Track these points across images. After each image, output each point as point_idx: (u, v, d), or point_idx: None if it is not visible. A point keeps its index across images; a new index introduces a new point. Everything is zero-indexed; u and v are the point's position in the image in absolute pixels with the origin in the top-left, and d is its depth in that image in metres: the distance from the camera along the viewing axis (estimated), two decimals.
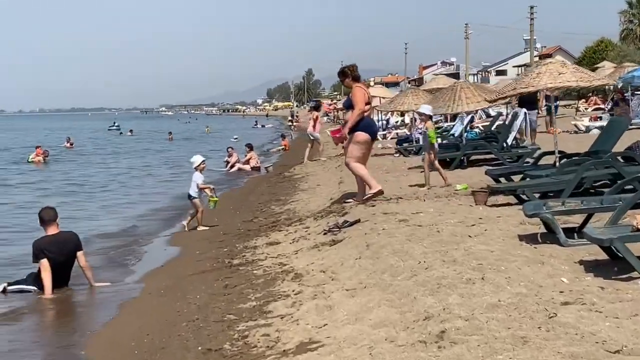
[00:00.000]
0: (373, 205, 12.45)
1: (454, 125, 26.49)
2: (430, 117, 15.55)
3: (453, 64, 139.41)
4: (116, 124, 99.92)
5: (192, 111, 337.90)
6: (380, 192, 13.16)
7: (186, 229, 15.09)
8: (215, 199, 15.23)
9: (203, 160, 15.49)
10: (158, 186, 25.99)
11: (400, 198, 13.21)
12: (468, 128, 23.59)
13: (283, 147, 41.46)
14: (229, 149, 31.27)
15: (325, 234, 11.03)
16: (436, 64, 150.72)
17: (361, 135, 13.07)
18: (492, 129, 23.42)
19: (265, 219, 14.64)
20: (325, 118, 77.29)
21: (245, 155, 30.51)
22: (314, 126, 29.32)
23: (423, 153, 15.22)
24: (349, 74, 13.29)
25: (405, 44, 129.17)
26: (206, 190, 15.15)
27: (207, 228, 14.84)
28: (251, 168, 29.66)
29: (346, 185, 16.45)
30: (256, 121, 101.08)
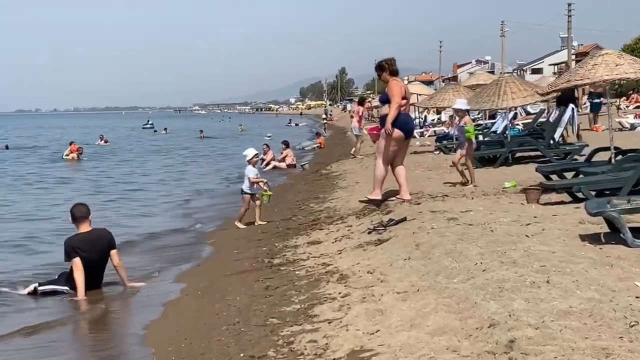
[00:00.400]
0: (418, 203, 11.92)
1: (494, 123, 25.80)
2: (468, 112, 14.94)
3: (488, 62, 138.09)
4: (150, 123, 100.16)
5: (225, 110, 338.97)
6: (377, 202, 12.67)
7: (239, 226, 14.45)
8: (270, 193, 14.65)
9: (256, 154, 14.92)
10: (194, 184, 25.54)
11: (446, 195, 12.68)
12: (510, 125, 22.94)
13: (318, 145, 40.97)
14: (265, 147, 30.76)
15: (369, 232, 10.52)
16: (470, 62, 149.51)
17: (394, 132, 12.51)
18: (535, 125, 22.77)
19: (304, 217, 14.14)
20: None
21: (281, 153, 30.02)
22: (358, 121, 28.65)
23: (460, 149, 14.58)
24: (386, 68, 12.72)
25: (440, 42, 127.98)
26: (259, 184, 14.55)
27: (265, 223, 14.25)
28: (287, 166, 29.17)
29: (388, 182, 15.89)
30: (290, 120, 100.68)
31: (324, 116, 79.94)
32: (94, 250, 9.75)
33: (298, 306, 7.54)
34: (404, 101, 12.61)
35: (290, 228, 12.97)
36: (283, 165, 29.29)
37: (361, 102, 31.00)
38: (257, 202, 14.52)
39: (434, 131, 35.20)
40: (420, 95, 36.56)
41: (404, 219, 10.54)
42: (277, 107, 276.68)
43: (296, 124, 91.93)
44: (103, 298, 9.76)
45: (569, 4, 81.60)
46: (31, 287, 9.93)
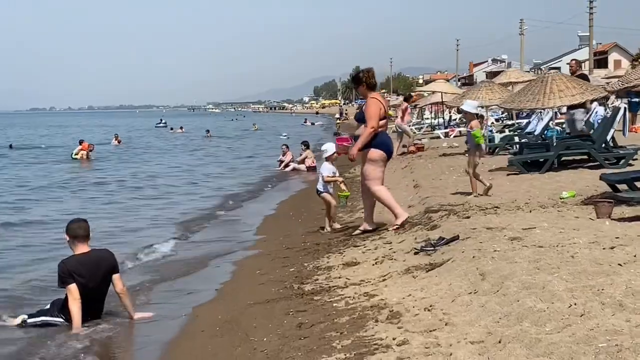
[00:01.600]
0: (468, 217, 10.37)
1: (528, 123, 24.19)
2: (477, 115, 13.39)
3: (504, 61, 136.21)
4: (163, 121, 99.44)
5: (239, 109, 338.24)
6: (407, 221, 11.17)
7: (328, 229, 12.70)
8: (347, 193, 12.96)
9: (336, 150, 13.16)
10: (210, 187, 24.01)
11: (497, 207, 11.12)
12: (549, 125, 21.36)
13: None
14: (284, 147, 29.25)
15: (416, 253, 8.97)
16: (487, 61, 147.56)
17: (376, 153, 11.12)
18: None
19: (333, 229, 12.61)
20: None
21: (301, 154, 28.44)
22: (402, 117, 27.18)
23: (473, 156, 13.12)
24: (363, 81, 11.27)
25: (457, 40, 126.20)
26: (335, 182, 12.95)
27: (340, 227, 12.69)
28: (307, 168, 27.60)
29: (424, 190, 14.37)
30: (305, 119, 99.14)
31: (337, 116, 78.03)
32: (93, 275, 8.21)
33: (342, 355, 5.98)
34: (383, 122, 11.18)
35: (320, 243, 11.43)
36: (303, 167, 27.74)
37: (407, 98, 29.28)
38: (332, 201, 12.86)
39: (460, 131, 33.57)
40: (446, 93, 35.03)
41: (457, 238, 8.99)
42: (292, 105, 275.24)
43: (312, 123, 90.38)
44: (101, 331, 8.21)
45: (591, 1, 79.73)
46: (18, 320, 8.41)
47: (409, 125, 43.11)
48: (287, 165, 28.05)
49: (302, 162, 27.96)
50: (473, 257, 7.80)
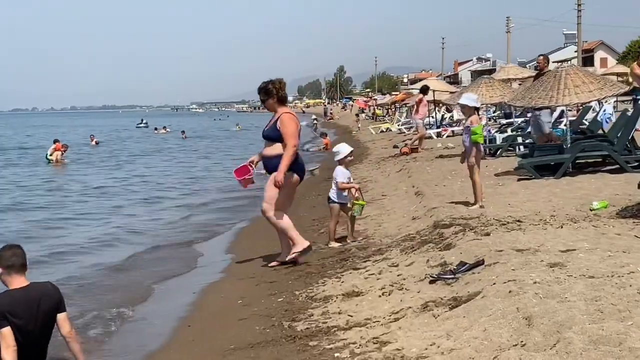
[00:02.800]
0: (487, 234, 8.75)
1: (525, 122, 22.58)
2: (477, 110, 11.71)
3: (489, 60, 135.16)
4: (144, 121, 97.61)
5: (223, 108, 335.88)
6: (309, 249, 9.92)
7: (334, 245, 10.93)
8: (362, 202, 11.17)
9: (351, 151, 11.44)
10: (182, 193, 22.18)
11: (520, 221, 9.51)
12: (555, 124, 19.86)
13: (324, 146, 37.76)
14: None
15: (432, 282, 7.36)
16: (471, 60, 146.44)
17: (277, 173, 9.61)
18: (584, 124, 19.62)
19: (327, 245, 10.97)
20: (363, 115, 73.78)
21: None
22: (417, 110, 25.54)
23: (468, 158, 11.48)
24: (274, 93, 9.86)
25: (442, 38, 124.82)
26: (351, 190, 11.15)
27: (355, 242, 10.92)
28: None
29: (429, 199, 12.73)
30: None
31: (313, 117, 75.43)
32: (32, 315, 6.50)
33: None
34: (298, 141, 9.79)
35: (312, 264, 9.77)
36: None
37: (424, 90, 27.38)
38: (349, 214, 11.18)
39: (452, 131, 32.02)
40: (438, 91, 33.46)
41: (481, 263, 7.38)
42: None
43: None
44: None
45: None
46: None
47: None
48: None
49: None
50: (509, 291, 6.17)
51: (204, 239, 13.76)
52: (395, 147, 28.71)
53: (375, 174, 19.83)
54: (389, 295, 7.38)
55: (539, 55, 18.71)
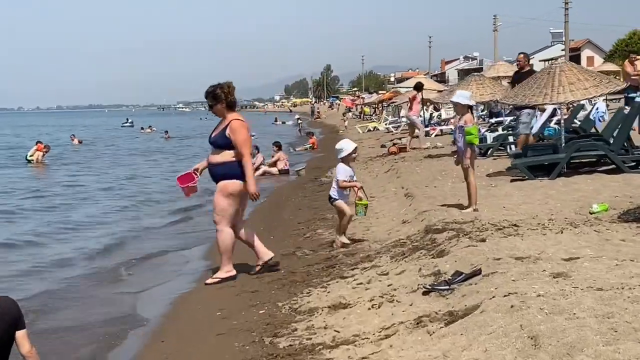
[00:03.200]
0: (483, 240, 8.21)
1: (515, 120, 22.01)
2: (471, 108, 11.09)
3: (476, 59, 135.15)
4: (130, 120, 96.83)
5: None
6: (231, 278, 9.32)
7: (346, 241, 10.39)
8: (365, 202, 10.61)
9: (355, 148, 10.72)
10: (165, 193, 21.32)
11: (517, 225, 8.97)
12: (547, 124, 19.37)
13: (311, 145, 37.20)
14: (254, 149, 26.84)
15: (425, 293, 6.81)
16: (458, 58, 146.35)
17: (234, 185, 9.12)
18: (575, 123, 19.11)
19: (313, 251, 10.40)
20: (350, 114, 73.28)
21: (272, 156, 26.11)
22: (410, 107, 24.98)
23: (462, 160, 10.88)
24: (222, 99, 9.26)
25: (429, 37, 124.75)
26: (352, 188, 10.52)
27: (349, 242, 10.36)
28: (279, 171, 25.33)
29: (419, 201, 12.19)
30: (276, 118, 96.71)
31: (297, 117, 74.33)
32: None
33: None
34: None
35: (296, 272, 9.21)
36: (274, 170, 25.44)
37: (418, 87, 26.73)
38: (347, 210, 10.45)
39: (441, 130, 31.51)
40: (425, 89, 32.89)
41: (478, 272, 6.84)
42: (263, 104, 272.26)
43: (283, 122, 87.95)
44: None
45: None
46: None
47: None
48: (257, 169, 25.75)
49: (274, 164, 25.69)
50: (511, 306, 5.62)
51: (183, 246, 12.94)
52: (383, 146, 28.17)
53: (363, 175, 19.24)
54: (379, 308, 6.83)
55: (519, 53, 18.18)
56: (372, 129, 43.53)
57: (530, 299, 5.71)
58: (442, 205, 11.27)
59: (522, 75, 17.33)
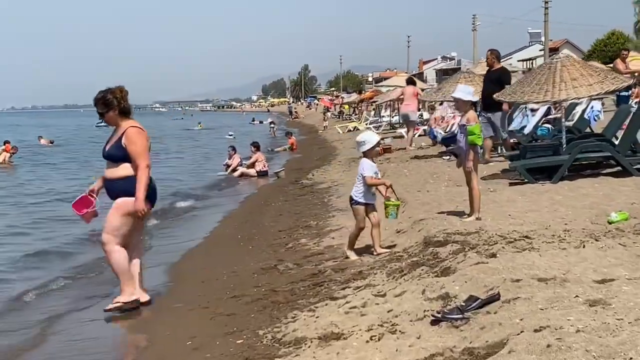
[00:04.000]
0: (493, 255, 7.15)
1: (512, 120, 21.00)
2: (474, 105, 9.96)
3: (454, 59, 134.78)
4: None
5: (187, 107, 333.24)
6: (134, 305, 8.21)
7: (354, 257, 9.05)
8: (397, 202, 9.20)
9: (379, 141, 9.46)
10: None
11: (529, 237, 7.91)
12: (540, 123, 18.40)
13: (290, 146, 36.06)
14: (230, 150, 25.66)
15: (435, 322, 5.73)
16: (436, 58, 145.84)
17: (131, 203, 7.93)
18: (568, 123, 18.06)
19: (297, 265, 9.26)
20: (329, 114, 72.17)
21: (250, 157, 24.92)
22: (407, 104, 23.81)
23: (465, 161, 9.74)
24: (115, 105, 8.15)
25: (408, 37, 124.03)
26: (379, 187, 9.16)
27: (388, 252, 8.93)
28: (257, 173, 24.16)
29: (413, 208, 11.13)
30: (254, 118, 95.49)
31: (270, 121, 71.67)
32: None
33: None
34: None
35: (279, 290, 8.09)
36: (252, 172, 24.27)
37: (413, 82, 25.53)
38: (373, 218, 9.03)
39: (424, 130, 30.43)
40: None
41: (497, 297, 5.77)
42: (240, 104, 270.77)
43: (260, 122, 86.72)
44: None
45: None
46: None
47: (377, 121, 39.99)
48: (234, 170, 24.61)
49: (252, 166, 24.51)
50: (547, 345, 4.54)
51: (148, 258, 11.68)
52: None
53: (346, 177, 18.16)
54: (379, 340, 5.73)
55: (488, 50, 17.01)
56: (352, 129, 42.36)
57: (569, 335, 4.65)
58: (440, 213, 10.19)
59: (491, 74, 16.23)
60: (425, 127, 31.26)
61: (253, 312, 7.40)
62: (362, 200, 9.03)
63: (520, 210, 9.69)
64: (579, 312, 5.12)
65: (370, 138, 9.17)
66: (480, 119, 15.20)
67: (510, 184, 12.36)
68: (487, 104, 15.53)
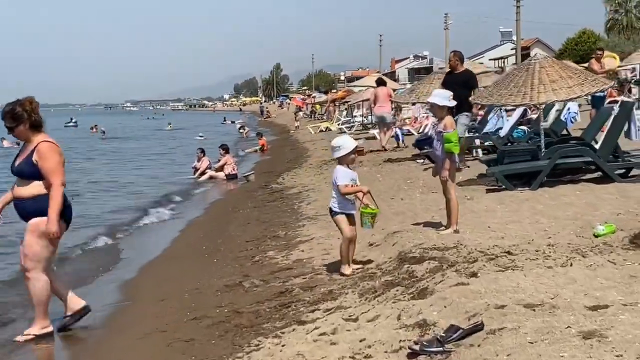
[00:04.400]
0: (474, 274, 6.60)
1: (486, 122, 20.50)
2: (451, 110, 9.38)
3: (426, 58, 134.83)
4: (73, 120, 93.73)
5: (158, 106, 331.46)
6: (48, 334, 7.56)
7: (348, 272, 8.18)
8: (375, 210, 8.34)
9: (356, 147, 8.69)
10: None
11: (510, 253, 7.39)
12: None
13: (260, 147, 35.39)
14: (199, 152, 24.92)
15: (412, 355, 5.16)
16: (408, 57, 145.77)
17: (48, 224, 7.29)
18: (544, 124, 17.57)
19: (264, 281, 8.65)
20: (300, 113, 71.54)
21: (219, 160, 24.23)
22: (378, 104, 23.12)
23: (441, 170, 9.13)
24: (24, 118, 7.50)
25: (380, 35, 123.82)
26: (357, 194, 8.41)
27: (359, 267, 8.28)
28: (226, 176, 23.50)
29: (387, 218, 10.54)
30: (225, 117, 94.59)
31: (238, 125, 69.31)
32: None
33: None
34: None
35: (243, 311, 7.48)
36: (221, 175, 23.59)
37: (383, 82, 24.83)
38: (347, 229, 8.30)
39: (397, 131, 29.89)
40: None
41: (480, 327, 5.21)
42: (212, 104, 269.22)
43: (232, 122, 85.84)
44: None
45: None
46: None
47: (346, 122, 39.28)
48: (202, 174, 23.92)
49: (221, 169, 23.84)
50: None
51: (98, 273, 10.82)
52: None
53: (318, 182, 17.59)
54: None
55: (451, 52, 16.40)
56: (324, 130, 41.77)
57: None
58: (415, 224, 9.64)
59: (456, 76, 15.46)
60: (398, 130, 30.80)
61: (214, 338, 6.79)
62: (340, 210, 8.34)
63: (500, 222, 9.15)
64: (573, 346, 4.58)
65: (345, 143, 8.46)
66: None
67: (488, 191, 11.83)
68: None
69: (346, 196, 8.33)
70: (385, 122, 23.69)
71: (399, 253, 8.08)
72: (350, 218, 8.35)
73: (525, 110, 17.62)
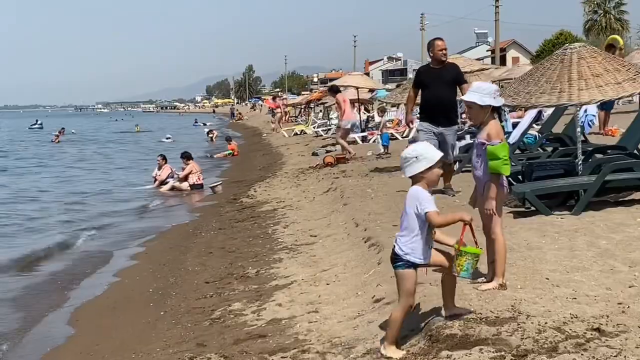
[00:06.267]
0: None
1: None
2: (498, 113, 6.42)
3: (400, 59, 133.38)
4: (39, 122, 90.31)
5: (129, 108, 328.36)
6: None
7: (397, 355, 5.15)
8: (477, 250, 5.36)
9: (441, 158, 5.43)
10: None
11: (599, 331, 4.82)
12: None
13: (230, 152, 32.67)
14: (159, 159, 22.03)
15: None
16: (382, 59, 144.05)
17: None
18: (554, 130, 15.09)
19: (225, 359, 5.99)
20: (278, 115, 68.83)
21: (183, 169, 21.38)
22: (343, 112, 20.39)
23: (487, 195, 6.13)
24: None
25: (354, 36, 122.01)
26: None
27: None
28: (190, 186, 20.76)
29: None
30: (196, 119, 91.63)
31: (207, 130, 64.72)
32: None
33: None
34: None
35: None
36: (185, 185, 20.84)
37: (335, 90, 21.89)
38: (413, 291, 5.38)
39: (379, 134, 27.32)
40: (362, 89, 28.93)
41: None
42: (183, 105, 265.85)
43: (204, 124, 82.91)
44: None
45: None
46: None
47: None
48: (163, 183, 21.17)
49: (185, 178, 21.06)
50: None
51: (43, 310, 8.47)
52: (314, 154, 23.87)
53: (296, 195, 14.92)
54: None
55: (435, 39, 12.90)
56: (299, 133, 39.02)
57: None
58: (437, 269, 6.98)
59: (442, 72, 12.05)
60: (378, 133, 28.19)
61: None
62: (417, 259, 5.33)
63: (559, 269, 6.42)
64: None
65: (427, 152, 5.36)
66: (420, 134, 11.64)
67: (515, 217, 9.12)
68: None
69: (435, 234, 5.37)
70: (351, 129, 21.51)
71: (426, 327, 5.40)
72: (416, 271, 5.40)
73: (539, 112, 15.09)
